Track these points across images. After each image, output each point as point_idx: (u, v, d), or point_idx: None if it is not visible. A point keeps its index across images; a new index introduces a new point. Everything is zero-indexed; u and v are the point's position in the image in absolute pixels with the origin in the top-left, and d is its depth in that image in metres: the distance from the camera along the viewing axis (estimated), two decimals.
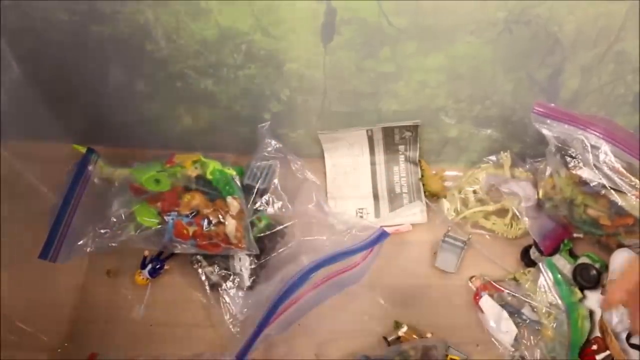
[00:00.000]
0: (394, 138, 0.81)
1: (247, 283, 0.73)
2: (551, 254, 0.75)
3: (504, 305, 0.73)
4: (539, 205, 0.77)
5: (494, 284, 0.74)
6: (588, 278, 0.71)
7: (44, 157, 0.76)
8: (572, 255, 0.76)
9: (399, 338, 0.71)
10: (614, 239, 0.72)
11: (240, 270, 0.73)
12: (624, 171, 0.65)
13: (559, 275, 0.71)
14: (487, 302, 0.73)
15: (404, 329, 0.71)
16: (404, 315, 0.74)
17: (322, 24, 0.60)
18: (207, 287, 0.74)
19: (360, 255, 0.69)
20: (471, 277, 0.77)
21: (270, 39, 0.62)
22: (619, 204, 0.65)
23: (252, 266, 0.73)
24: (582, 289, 0.71)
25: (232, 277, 0.73)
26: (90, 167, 0.78)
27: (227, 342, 0.69)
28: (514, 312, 0.73)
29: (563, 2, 0.57)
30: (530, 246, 0.77)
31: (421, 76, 0.68)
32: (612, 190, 0.65)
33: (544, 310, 0.71)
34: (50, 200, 0.73)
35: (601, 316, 0.69)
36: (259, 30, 0.61)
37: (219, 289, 0.73)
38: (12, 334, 0.67)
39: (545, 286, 0.71)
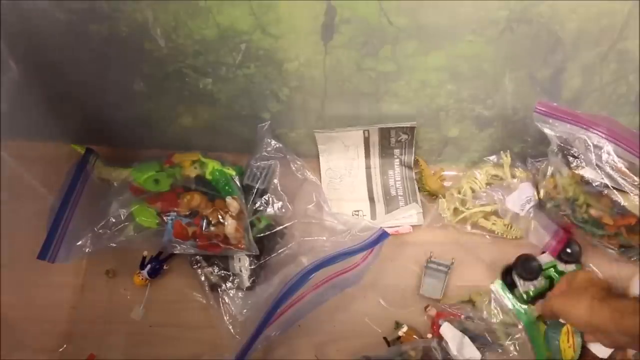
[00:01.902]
0: (389, 141, 0.81)
1: (247, 284, 0.73)
2: (558, 256, 0.73)
3: (465, 330, 0.69)
4: (540, 205, 0.77)
5: (449, 310, 0.71)
6: (529, 269, 0.70)
7: (43, 157, 0.75)
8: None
9: (399, 338, 0.71)
10: (615, 239, 0.71)
11: (240, 270, 0.73)
12: (627, 171, 0.64)
13: (510, 295, 0.71)
14: (447, 330, 0.69)
15: (404, 329, 0.71)
16: (404, 315, 0.74)
17: (322, 23, 0.59)
18: (207, 288, 0.73)
19: (361, 256, 0.69)
20: (426, 307, 0.73)
21: (270, 38, 0.62)
22: (622, 203, 0.65)
23: (252, 267, 0.73)
24: (523, 279, 0.71)
25: (231, 277, 0.73)
26: (89, 167, 0.77)
27: (226, 343, 0.69)
28: (475, 337, 0.69)
29: (565, 1, 0.57)
30: (511, 267, 0.73)
31: (422, 75, 0.67)
32: (614, 190, 0.65)
33: (503, 332, 0.69)
34: (49, 201, 0.73)
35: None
36: (259, 30, 0.60)
37: (219, 289, 0.73)
38: (12, 334, 0.67)
39: (499, 308, 0.71)
